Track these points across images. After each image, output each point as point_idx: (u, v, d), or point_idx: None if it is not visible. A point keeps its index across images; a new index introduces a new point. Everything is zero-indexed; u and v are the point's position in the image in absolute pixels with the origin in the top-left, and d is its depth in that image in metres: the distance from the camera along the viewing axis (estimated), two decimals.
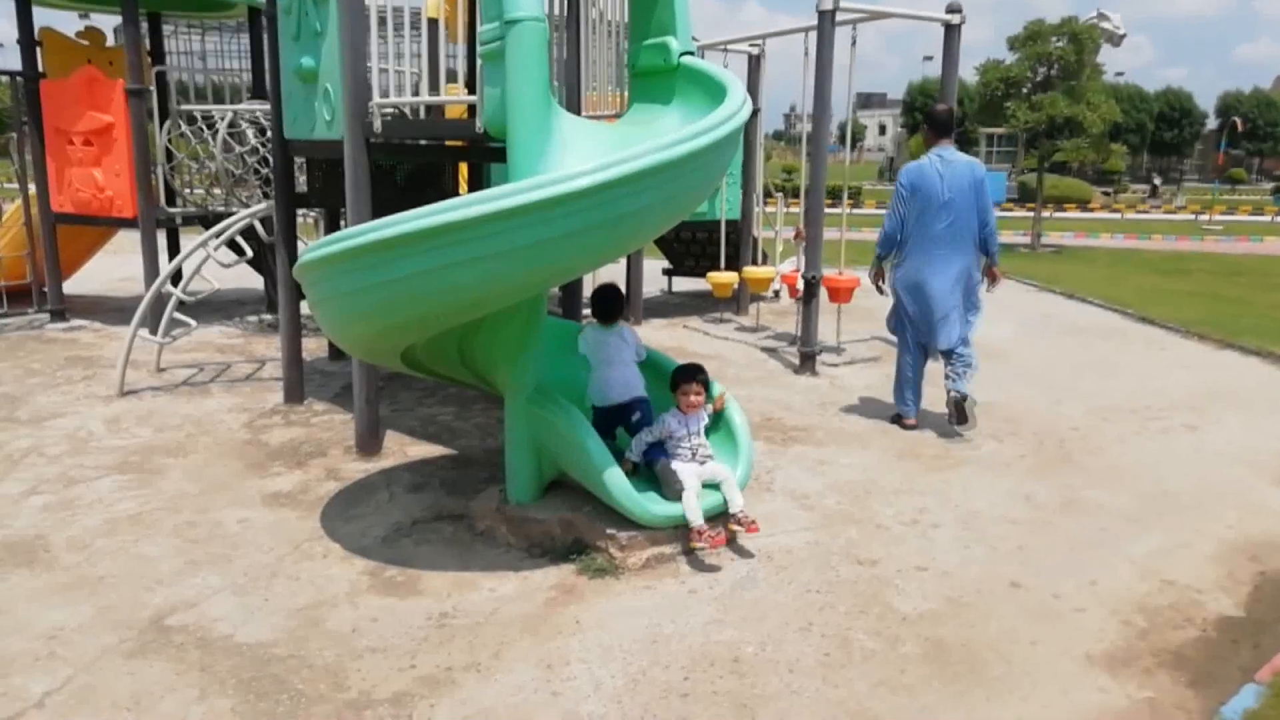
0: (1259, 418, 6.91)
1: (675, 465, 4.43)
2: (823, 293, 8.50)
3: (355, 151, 5.24)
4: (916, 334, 6.52)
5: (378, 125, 5.19)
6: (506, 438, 4.61)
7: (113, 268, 12.96)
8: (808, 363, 7.97)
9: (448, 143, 6.13)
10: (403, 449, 5.92)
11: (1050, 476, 5.60)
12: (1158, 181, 46.20)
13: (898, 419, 6.60)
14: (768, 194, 11.74)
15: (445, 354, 4.54)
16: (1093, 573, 4.35)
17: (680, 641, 3.67)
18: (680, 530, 4.37)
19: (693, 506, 4.26)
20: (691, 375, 4.64)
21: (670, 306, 11.45)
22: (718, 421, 4.84)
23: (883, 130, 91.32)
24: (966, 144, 45.77)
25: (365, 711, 3.22)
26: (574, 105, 5.23)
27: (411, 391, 7.30)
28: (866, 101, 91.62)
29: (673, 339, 9.45)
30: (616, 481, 4.16)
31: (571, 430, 4.27)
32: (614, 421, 4.85)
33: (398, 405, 6.93)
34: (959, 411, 6.27)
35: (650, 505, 4.23)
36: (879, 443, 6.16)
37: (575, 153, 3.87)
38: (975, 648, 3.67)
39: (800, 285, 8.07)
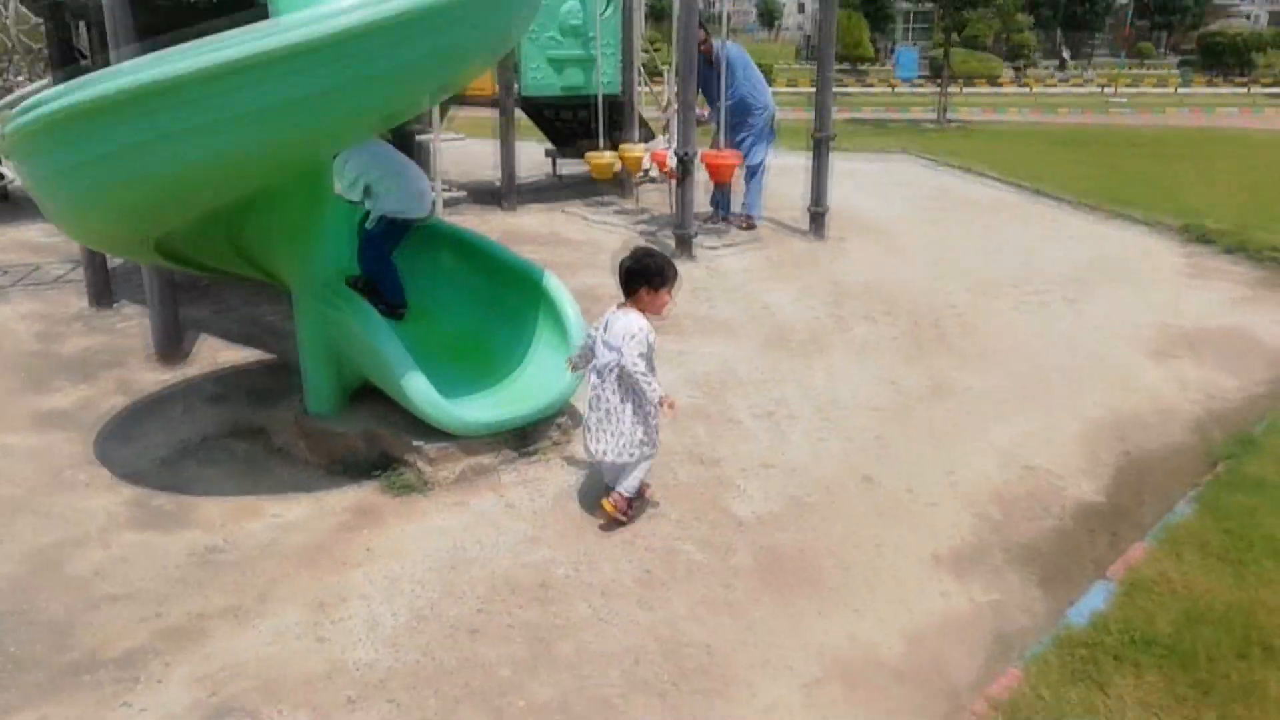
0: (1141, 290, 6.68)
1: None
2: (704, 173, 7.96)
3: None
4: None
5: None
6: (299, 341, 4.00)
7: None
8: (683, 247, 7.44)
9: None
10: (214, 355, 5.25)
11: (920, 360, 5.25)
12: (1066, 55, 46.09)
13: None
14: (653, 72, 10.93)
15: (212, 244, 3.86)
16: (952, 463, 4.02)
17: (483, 566, 3.21)
18: (500, 439, 3.87)
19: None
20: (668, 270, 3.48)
21: (553, 191, 10.71)
22: (537, 305, 4.29)
23: (801, 8, 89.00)
24: (884, 19, 45.12)
25: (84, 677, 2.70)
26: None
27: (238, 290, 6.55)
28: None
29: (548, 225, 8.79)
30: (418, 386, 3.61)
31: (364, 330, 3.68)
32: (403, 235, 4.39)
33: (221, 306, 6.19)
34: None
35: (461, 412, 3.70)
36: (746, 331, 5.73)
37: None
38: (814, 554, 3.31)
39: (671, 163, 7.46)
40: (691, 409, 4.49)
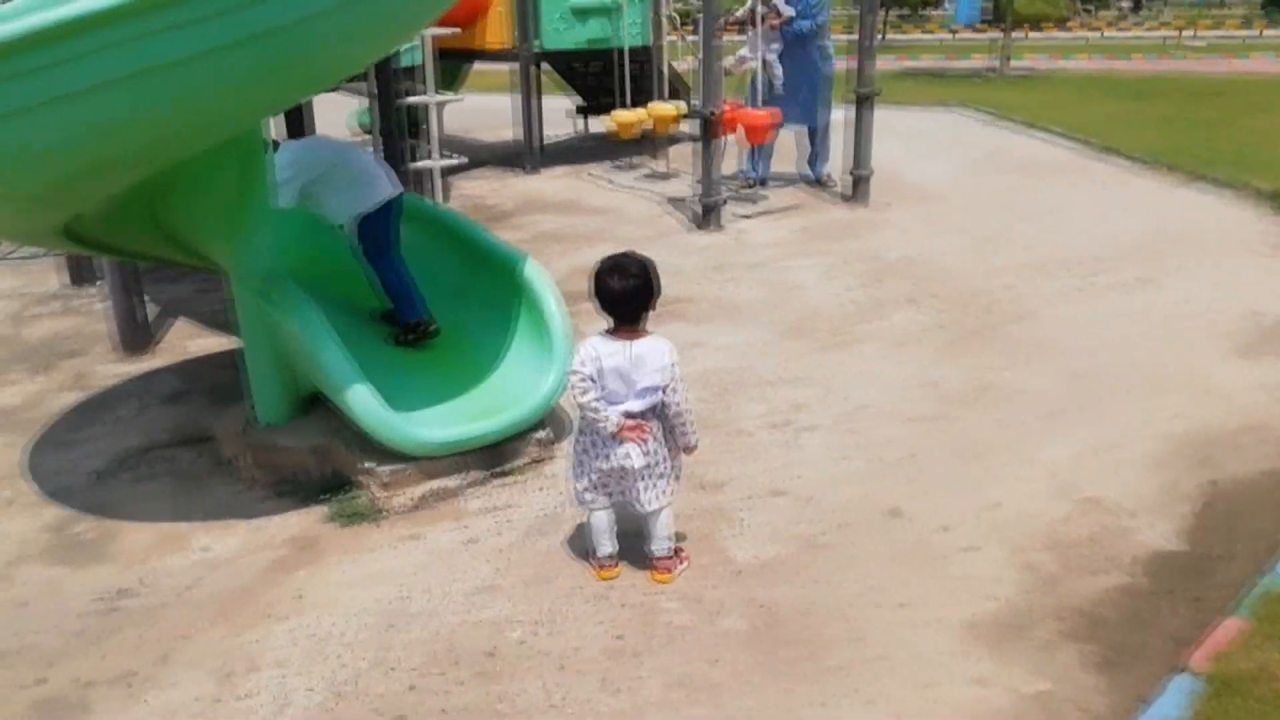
0: (1224, 269, 5.89)
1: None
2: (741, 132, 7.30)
3: None
4: None
5: None
6: (243, 341, 3.52)
7: None
8: (709, 216, 6.81)
9: None
10: (184, 343, 4.82)
11: (966, 354, 4.60)
12: None
13: None
14: (684, 18, 10.16)
15: (133, 228, 3.36)
16: (997, 491, 3.41)
17: (426, 625, 2.72)
18: (467, 458, 3.37)
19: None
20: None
21: (579, 151, 10.10)
22: (516, 297, 3.74)
23: None
24: None
25: None
26: None
27: None
28: None
29: (569, 190, 8.22)
30: (364, 401, 3.11)
31: (302, 333, 3.17)
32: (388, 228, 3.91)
33: (205, 284, 5.75)
34: None
35: (416, 430, 3.19)
36: (768, 316, 5.12)
37: None
38: (821, 617, 2.75)
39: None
40: (697, 415, 3.92)
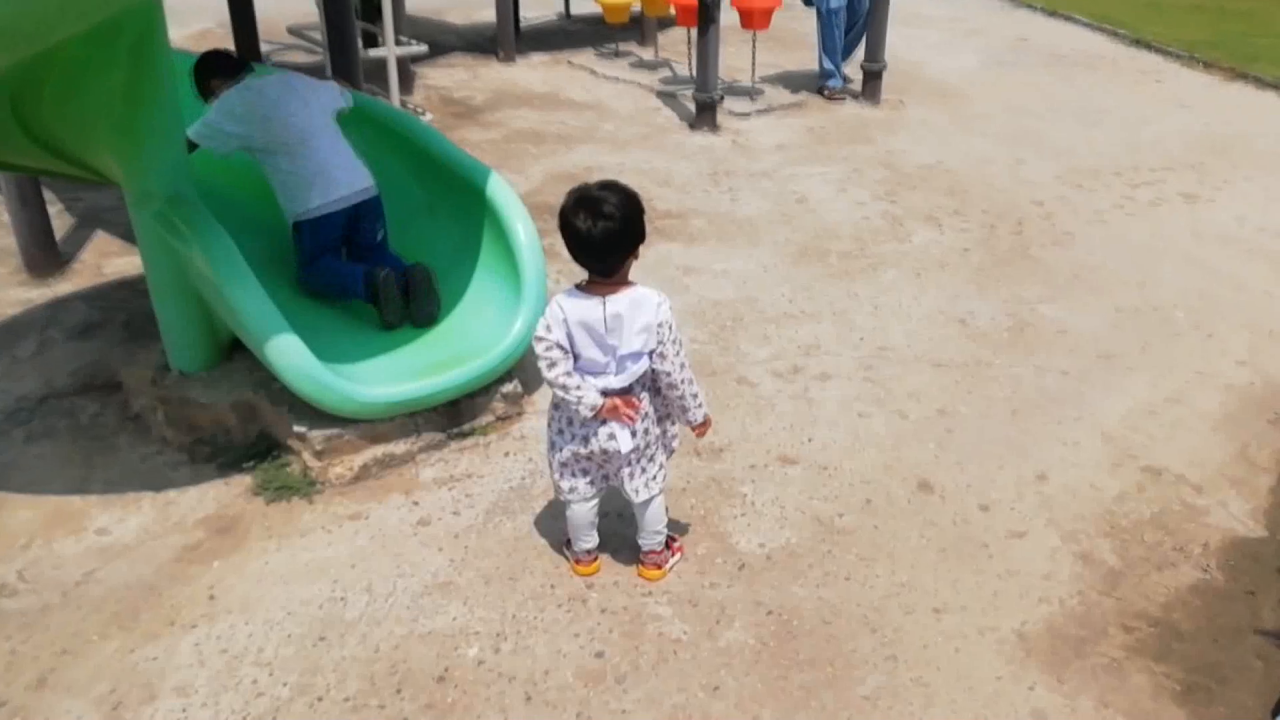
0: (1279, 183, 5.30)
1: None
2: (735, 16, 6.50)
3: None
4: None
5: None
6: (146, 275, 2.91)
7: None
8: (705, 114, 6.10)
9: None
10: (100, 263, 4.19)
11: (999, 284, 4.05)
12: None
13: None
14: None
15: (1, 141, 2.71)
16: (1042, 459, 2.92)
17: (366, 636, 2.24)
18: (419, 419, 2.83)
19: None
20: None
21: (562, 36, 9.20)
22: (479, 222, 3.15)
23: None
24: None
25: None
26: None
27: None
28: None
29: (549, 81, 7.42)
30: (288, 351, 2.54)
31: (212, 268, 2.58)
32: (338, 235, 3.17)
33: None
34: None
35: (350, 387, 2.63)
36: (774, 236, 4.52)
37: None
38: (843, 626, 2.28)
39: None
40: (693, 361, 3.37)
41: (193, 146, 3.05)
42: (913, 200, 4.93)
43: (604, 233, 1.99)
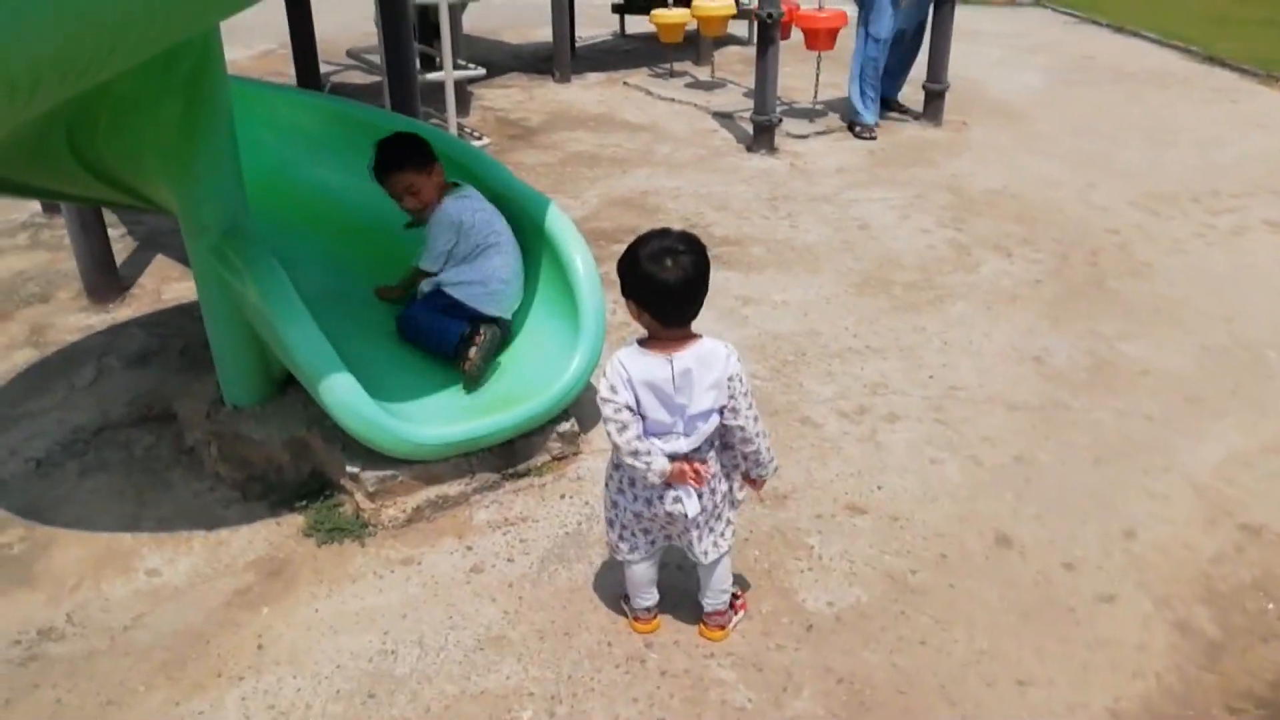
0: None
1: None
2: (798, 36, 6.39)
3: None
4: None
5: None
6: (201, 306, 2.88)
7: None
8: (763, 136, 5.98)
9: None
10: (160, 288, 4.20)
11: (1073, 318, 3.86)
12: None
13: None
14: None
15: (54, 169, 2.68)
16: (1129, 511, 2.74)
17: (416, 694, 2.15)
18: (473, 459, 2.75)
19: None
20: None
21: (617, 56, 9.16)
22: (537, 255, 3.06)
23: None
24: None
25: None
26: None
27: None
28: None
29: (604, 102, 7.37)
30: (341, 390, 2.48)
31: (265, 304, 2.52)
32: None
33: None
34: None
35: (404, 428, 2.56)
36: (836, 264, 4.38)
37: None
38: (920, 698, 2.14)
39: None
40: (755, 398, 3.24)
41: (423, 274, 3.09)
42: (979, 227, 4.76)
43: (692, 278, 1.89)
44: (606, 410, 1.96)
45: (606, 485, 2.16)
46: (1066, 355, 3.58)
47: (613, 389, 1.94)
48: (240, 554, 2.59)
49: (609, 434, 1.98)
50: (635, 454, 1.96)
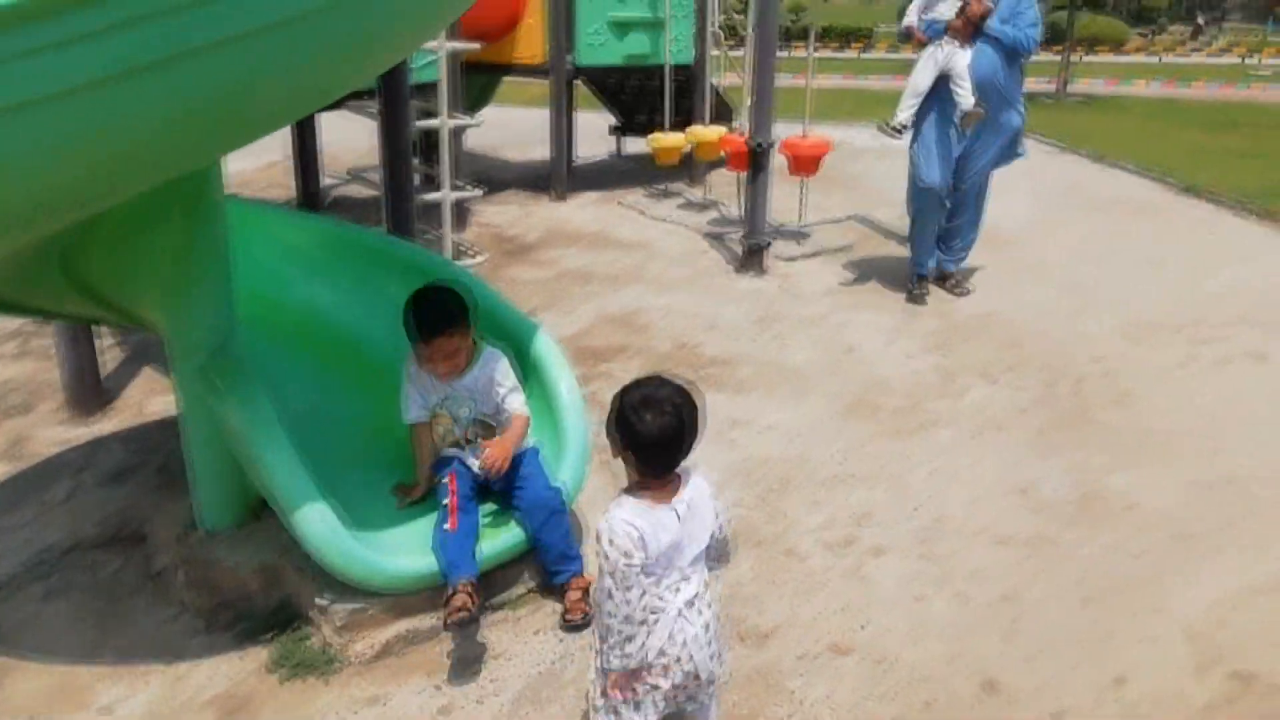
0: None
1: None
2: (782, 162, 6.58)
3: None
4: None
5: None
6: (182, 428, 2.86)
7: None
8: (753, 258, 6.10)
9: None
10: (144, 401, 4.18)
11: (1059, 448, 3.85)
12: (1201, 20, 42.17)
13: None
14: (730, 31, 9.45)
15: (43, 289, 2.71)
16: (1119, 656, 2.66)
17: None
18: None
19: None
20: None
21: (613, 175, 9.43)
22: (525, 382, 3.04)
23: None
24: None
25: None
26: None
27: None
28: None
29: (599, 220, 7.54)
30: (316, 521, 2.44)
31: (246, 430, 2.51)
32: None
33: None
34: None
35: (379, 559, 2.51)
36: (825, 386, 4.39)
37: None
38: None
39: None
40: (737, 527, 3.20)
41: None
42: (966, 353, 4.80)
43: (676, 428, 1.86)
44: (628, 574, 1.83)
45: (596, 626, 1.99)
46: (1053, 487, 3.55)
47: (626, 553, 1.83)
48: (199, 691, 2.49)
49: (614, 600, 1.86)
50: (644, 624, 1.87)
